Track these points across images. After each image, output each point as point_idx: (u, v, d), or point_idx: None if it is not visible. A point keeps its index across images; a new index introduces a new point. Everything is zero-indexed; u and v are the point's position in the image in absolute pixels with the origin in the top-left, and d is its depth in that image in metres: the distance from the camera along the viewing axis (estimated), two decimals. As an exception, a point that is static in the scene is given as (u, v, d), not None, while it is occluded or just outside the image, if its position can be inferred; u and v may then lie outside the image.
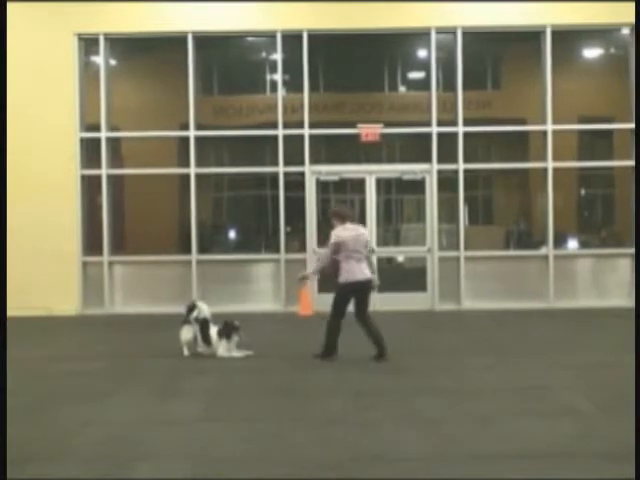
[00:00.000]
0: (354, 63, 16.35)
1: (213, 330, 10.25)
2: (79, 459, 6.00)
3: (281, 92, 15.57)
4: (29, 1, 14.78)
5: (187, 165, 15.36)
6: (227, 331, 10.20)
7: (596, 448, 6.09)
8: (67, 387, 8.71)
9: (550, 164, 15.23)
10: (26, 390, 8.53)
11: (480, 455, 5.95)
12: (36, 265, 14.79)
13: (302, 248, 15.53)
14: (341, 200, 16.58)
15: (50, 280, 14.85)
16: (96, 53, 15.47)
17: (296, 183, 15.43)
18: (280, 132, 15.26)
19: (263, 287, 15.51)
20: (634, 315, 12.96)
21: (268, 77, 16.48)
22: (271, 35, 15.37)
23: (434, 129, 15.24)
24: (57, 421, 7.17)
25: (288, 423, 7.01)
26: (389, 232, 16.61)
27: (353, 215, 10.77)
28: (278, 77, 15.61)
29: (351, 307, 9.98)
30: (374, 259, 10.33)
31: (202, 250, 15.39)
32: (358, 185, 15.66)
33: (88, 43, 15.42)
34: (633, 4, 13.99)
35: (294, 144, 15.31)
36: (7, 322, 13.74)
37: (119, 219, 16.17)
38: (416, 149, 15.81)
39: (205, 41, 15.51)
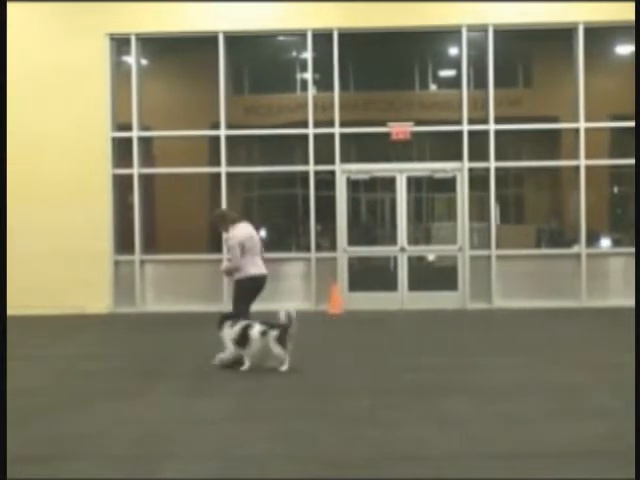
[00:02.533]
0: (384, 61, 16.30)
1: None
2: (110, 457, 5.99)
3: (311, 91, 15.60)
4: (61, 1, 14.88)
5: (218, 164, 15.44)
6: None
7: (625, 448, 5.90)
8: (99, 385, 8.70)
9: (582, 162, 15.17)
10: (59, 388, 8.56)
11: (510, 454, 5.89)
12: (69, 264, 14.91)
13: (332, 247, 15.58)
14: (370, 199, 16.60)
15: (83, 279, 14.96)
16: (127, 53, 15.62)
17: (326, 182, 15.47)
18: (310, 131, 15.31)
19: (293, 286, 15.53)
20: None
21: (298, 76, 16.52)
22: (301, 34, 15.43)
23: (465, 127, 15.25)
24: (89, 419, 7.16)
25: (315, 421, 6.96)
26: (420, 231, 16.64)
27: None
28: (308, 76, 15.67)
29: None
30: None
31: (233, 249, 15.35)
32: (389, 184, 15.69)
33: (120, 43, 15.57)
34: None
35: (324, 143, 15.36)
36: (36, 321, 14.02)
37: (150, 218, 16.27)
38: (447, 147, 15.82)
39: (236, 40, 15.54)
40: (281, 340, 9.03)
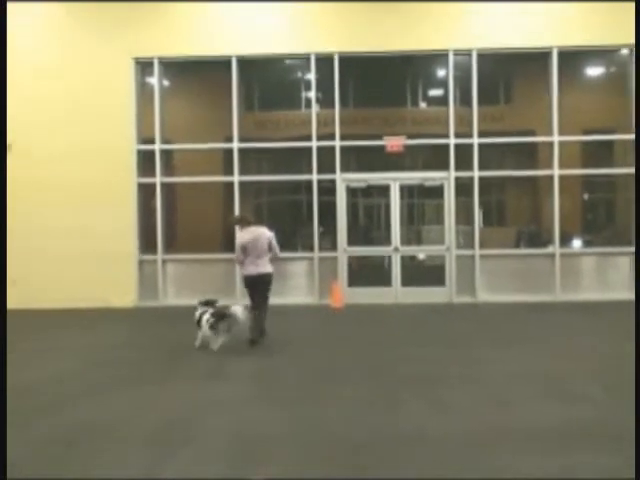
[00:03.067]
0: (380, 82, 16.26)
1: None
2: (134, 439, 6.13)
3: (315, 108, 15.59)
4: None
5: (231, 174, 15.48)
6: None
7: (603, 429, 6.11)
8: (123, 373, 8.80)
9: (556, 171, 15.21)
10: (85, 376, 8.67)
11: (498, 434, 6.01)
12: (99, 263, 15.03)
13: (333, 247, 15.58)
14: (367, 204, 16.65)
15: (111, 276, 15.09)
16: (151, 75, 15.62)
17: (328, 189, 15.48)
18: (314, 144, 15.34)
19: (299, 282, 15.58)
20: (634, 308, 12.94)
21: (303, 95, 16.53)
22: (306, 57, 15.46)
23: (452, 140, 15.28)
24: (114, 404, 7.26)
25: (320, 406, 7.05)
26: (411, 233, 16.53)
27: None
28: (312, 95, 15.64)
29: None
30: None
31: (244, 249, 15.43)
32: (384, 191, 15.67)
33: (144, 66, 15.59)
34: (631, 27, 13.98)
35: (326, 154, 15.37)
36: (70, 314, 14.08)
37: (171, 222, 16.28)
38: (436, 158, 15.70)
39: (247, 63, 15.55)
40: (212, 326, 9.83)
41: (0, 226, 13.34)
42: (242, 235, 10.38)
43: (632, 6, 14.18)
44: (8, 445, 5.84)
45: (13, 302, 14.25)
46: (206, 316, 9.96)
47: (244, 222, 10.57)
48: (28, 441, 6.10)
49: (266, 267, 10.35)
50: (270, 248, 10.44)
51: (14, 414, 6.75)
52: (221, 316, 9.90)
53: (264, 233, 10.44)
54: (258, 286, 10.33)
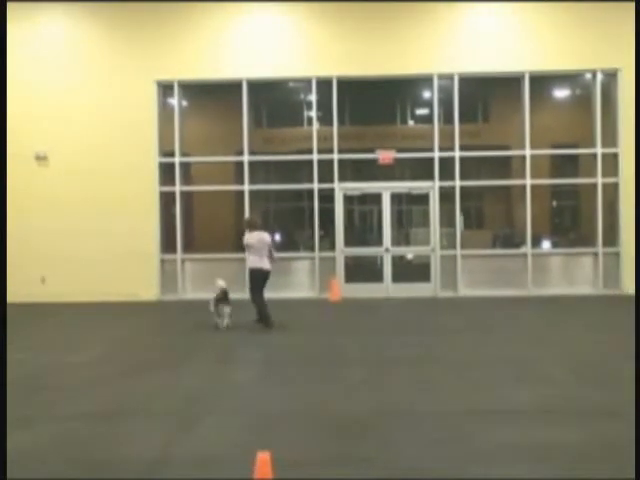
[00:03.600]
0: (373, 102, 16.45)
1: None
2: (156, 414, 6.28)
3: (315, 125, 15.75)
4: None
5: (242, 183, 15.64)
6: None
7: (570, 407, 6.25)
8: (147, 358, 8.96)
9: (528, 181, 15.38)
10: (114, 361, 8.82)
11: (477, 411, 6.20)
12: (127, 262, 15.26)
13: (332, 248, 15.74)
14: (362, 210, 16.95)
15: (137, 273, 15.32)
16: (171, 95, 15.82)
17: (327, 197, 15.60)
18: (315, 157, 15.47)
19: (302, 279, 15.70)
20: (604, 302, 13.30)
21: (305, 113, 16.67)
22: (307, 80, 15.63)
23: (436, 154, 15.37)
24: (139, 385, 7.38)
25: (321, 386, 7.19)
26: (401, 235, 16.68)
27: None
28: (313, 113, 15.80)
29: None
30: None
31: (253, 249, 15.59)
32: (376, 198, 15.86)
33: (165, 88, 15.77)
34: (595, 54, 14.39)
35: (326, 166, 15.52)
36: (103, 306, 14.25)
37: (189, 225, 16.44)
38: (422, 170, 15.85)
39: (256, 85, 15.72)
40: (216, 309, 10.86)
41: (0, 226, 13.43)
42: (249, 236, 11.25)
43: (592, 34, 14.66)
44: (58, 412, 6.21)
45: (48, 296, 14.88)
46: (212, 302, 10.98)
47: (251, 226, 11.42)
48: (73, 413, 6.35)
49: (266, 264, 11.16)
50: (269, 250, 11.19)
51: (62, 390, 7.14)
52: (220, 300, 10.92)
53: (265, 238, 11.22)
54: (258, 280, 11.11)
